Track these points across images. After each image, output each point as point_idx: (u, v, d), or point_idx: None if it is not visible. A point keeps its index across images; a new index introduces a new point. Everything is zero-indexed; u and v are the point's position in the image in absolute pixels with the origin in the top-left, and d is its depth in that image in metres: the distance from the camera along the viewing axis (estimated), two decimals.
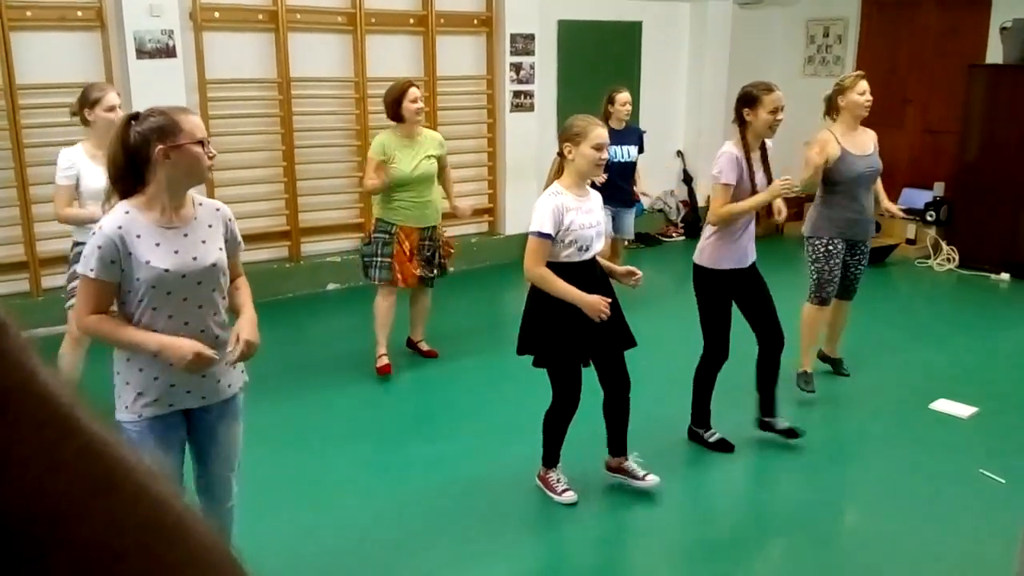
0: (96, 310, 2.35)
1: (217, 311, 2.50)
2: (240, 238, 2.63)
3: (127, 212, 2.34)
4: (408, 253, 4.93)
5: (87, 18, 5.84)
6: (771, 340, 4.11)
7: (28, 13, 5.61)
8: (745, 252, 3.99)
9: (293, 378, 5.04)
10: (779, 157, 4.20)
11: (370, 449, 4.30)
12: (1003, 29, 7.41)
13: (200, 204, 2.49)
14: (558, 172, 3.47)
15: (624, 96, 6.03)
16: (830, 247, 4.67)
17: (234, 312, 2.61)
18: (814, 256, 4.72)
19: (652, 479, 3.74)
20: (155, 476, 0.40)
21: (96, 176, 3.68)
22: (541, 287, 3.41)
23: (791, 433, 4.21)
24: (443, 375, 5.21)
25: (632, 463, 3.80)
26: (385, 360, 5.15)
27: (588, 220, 3.40)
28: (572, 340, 3.42)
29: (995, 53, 7.73)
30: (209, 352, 2.36)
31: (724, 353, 4.09)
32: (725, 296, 4.00)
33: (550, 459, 3.71)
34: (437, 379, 5.17)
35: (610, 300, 3.38)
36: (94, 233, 2.34)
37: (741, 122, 3.91)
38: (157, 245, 2.34)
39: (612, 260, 6.29)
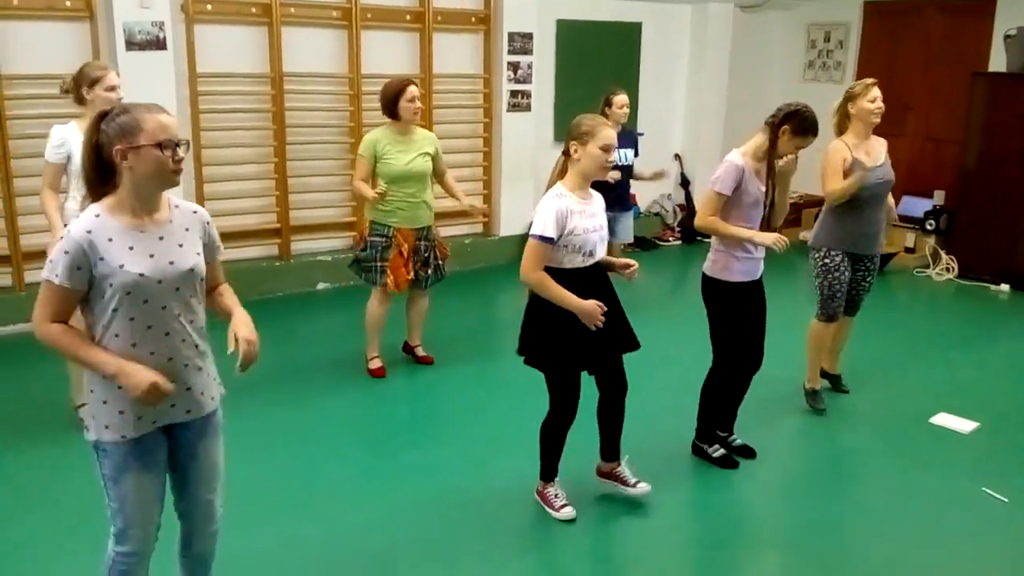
0: (56, 318, 2.21)
1: (196, 320, 2.36)
2: (219, 242, 2.47)
3: (97, 215, 2.20)
4: (405, 256, 4.82)
5: (76, 8, 5.70)
6: (750, 360, 4.01)
7: (15, 1, 5.47)
8: (757, 265, 3.88)
9: (281, 380, 4.92)
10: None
11: (359, 456, 4.18)
12: (1007, 37, 7.32)
13: (176, 206, 2.34)
14: (561, 172, 3.35)
15: (622, 98, 5.91)
16: (834, 260, 4.49)
17: (222, 316, 2.47)
18: (818, 269, 4.55)
19: (643, 487, 3.66)
20: None
21: None
22: (537, 292, 3.30)
23: (748, 451, 4.13)
24: (437, 380, 5.08)
25: (624, 468, 3.71)
26: (378, 363, 5.07)
27: (591, 224, 3.30)
28: (573, 347, 3.31)
29: (999, 61, 7.66)
30: (167, 385, 2.22)
31: (735, 366, 3.97)
32: (735, 307, 3.86)
33: (548, 472, 3.61)
34: (430, 384, 5.05)
35: (606, 308, 3.27)
36: (62, 238, 2.19)
37: (775, 134, 3.70)
38: (131, 248, 2.20)
39: None
